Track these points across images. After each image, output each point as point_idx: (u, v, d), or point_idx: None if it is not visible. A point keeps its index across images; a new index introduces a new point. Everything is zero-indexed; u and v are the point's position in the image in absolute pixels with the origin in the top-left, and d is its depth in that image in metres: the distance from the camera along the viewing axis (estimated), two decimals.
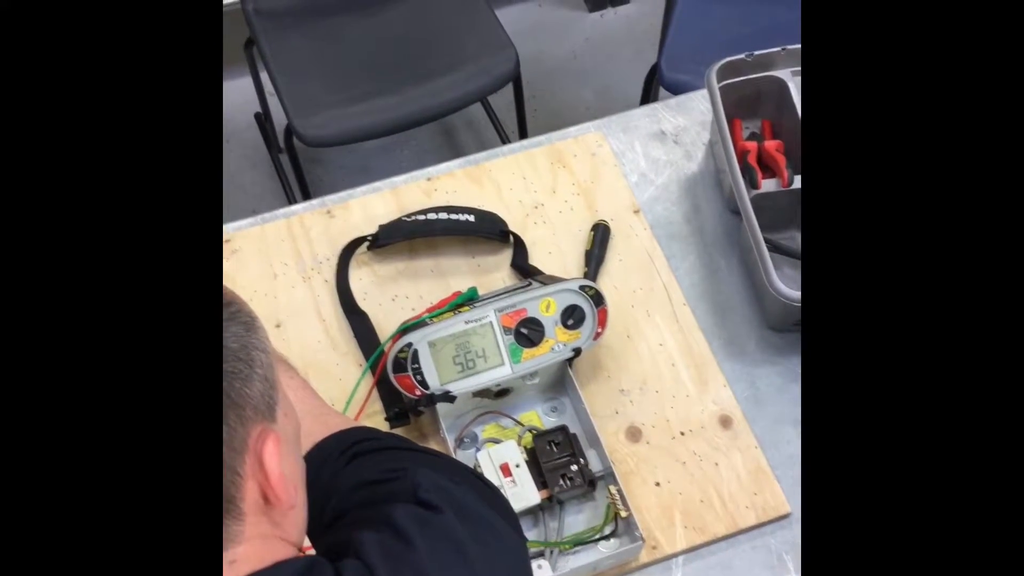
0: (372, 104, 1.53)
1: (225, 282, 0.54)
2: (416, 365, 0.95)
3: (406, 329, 0.99)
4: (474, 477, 0.73)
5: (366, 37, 1.61)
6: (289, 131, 1.58)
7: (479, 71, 1.56)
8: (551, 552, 0.94)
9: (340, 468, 0.69)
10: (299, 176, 1.73)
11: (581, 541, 0.95)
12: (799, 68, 1.17)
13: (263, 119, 1.98)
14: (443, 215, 1.12)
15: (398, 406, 1.00)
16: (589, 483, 0.96)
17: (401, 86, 1.55)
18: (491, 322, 0.97)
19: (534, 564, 0.92)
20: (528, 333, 0.98)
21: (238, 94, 2.05)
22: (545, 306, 0.98)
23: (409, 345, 0.95)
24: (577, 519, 0.98)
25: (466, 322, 0.97)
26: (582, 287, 0.99)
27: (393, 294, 1.11)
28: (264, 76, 1.69)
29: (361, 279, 1.12)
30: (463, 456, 0.99)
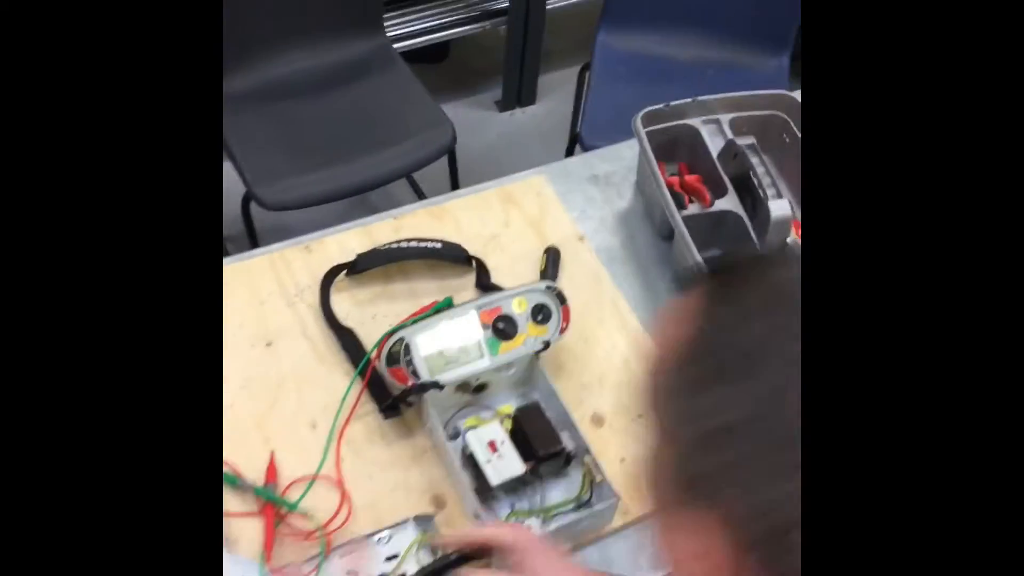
0: (326, 173, 1.68)
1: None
2: (408, 357, 1.07)
3: (392, 332, 1.11)
4: None
5: (318, 117, 1.78)
6: (246, 199, 1.70)
7: (421, 143, 1.74)
8: (538, 518, 1.05)
9: None
10: (251, 237, 1.86)
11: (563, 511, 1.06)
12: (708, 117, 1.39)
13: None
14: (414, 243, 1.26)
15: (390, 399, 1.11)
16: (565, 459, 1.08)
17: (353, 157, 1.71)
18: (474, 317, 1.10)
19: (524, 523, 1.02)
20: (504, 327, 1.11)
21: None
22: (518, 303, 1.12)
23: (401, 340, 1.07)
24: (554, 495, 1.09)
25: (451, 319, 1.10)
26: (548, 287, 1.14)
27: (372, 313, 1.23)
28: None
29: (342, 303, 1.24)
30: (452, 447, 1.09)
